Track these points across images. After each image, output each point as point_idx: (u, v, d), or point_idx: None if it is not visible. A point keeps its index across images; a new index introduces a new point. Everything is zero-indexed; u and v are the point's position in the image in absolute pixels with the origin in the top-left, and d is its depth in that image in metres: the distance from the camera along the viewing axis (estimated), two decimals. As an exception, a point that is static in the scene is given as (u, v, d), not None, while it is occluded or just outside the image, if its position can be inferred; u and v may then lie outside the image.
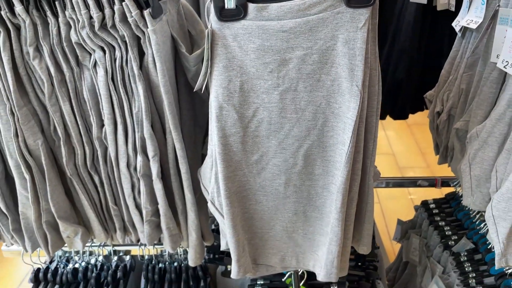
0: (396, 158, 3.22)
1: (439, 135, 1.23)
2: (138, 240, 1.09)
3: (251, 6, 0.74)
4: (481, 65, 1.01)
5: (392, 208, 2.66)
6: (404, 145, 3.41)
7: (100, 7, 0.80)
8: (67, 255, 1.40)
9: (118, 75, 0.86)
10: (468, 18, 1.04)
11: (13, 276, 2.34)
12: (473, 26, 1.02)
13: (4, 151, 0.94)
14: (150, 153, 0.92)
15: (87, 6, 0.80)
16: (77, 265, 1.37)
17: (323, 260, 0.92)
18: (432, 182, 1.72)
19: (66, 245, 1.08)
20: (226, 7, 0.74)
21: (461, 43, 1.11)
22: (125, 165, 0.94)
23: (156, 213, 1.00)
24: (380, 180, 1.78)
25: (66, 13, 0.81)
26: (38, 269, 1.35)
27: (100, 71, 0.86)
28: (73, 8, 0.80)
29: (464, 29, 1.09)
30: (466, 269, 1.31)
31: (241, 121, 0.82)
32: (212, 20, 0.76)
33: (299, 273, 1.20)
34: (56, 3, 0.80)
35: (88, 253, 1.37)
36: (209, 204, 0.94)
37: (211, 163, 0.91)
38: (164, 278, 1.35)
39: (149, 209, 0.98)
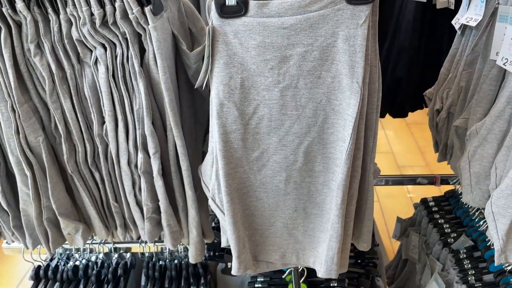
0: (395, 157, 3.23)
1: (438, 132, 1.23)
2: (139, 237, 1.09)
3: (251, 3, 0.74)
4: (480, 62, 1.02)
5: (391, 206, 2.67)
6: (403, 144, 3.41)
7: (101, 4, 0.80)
8: (67, 252, 1.40)
9: (119, 72, 0.87)
10: (468, 15, 1.05)
11: (13, 274, 2.35)
12: (473, 23, 1.02)
13: (5, 148, 0.94)
14: (151, 150, 0.92)
15: (88, 3, 0.80)
16: (77, 263, 1.37)
17: (323, 256, 0.93)
18: (431, 180, 1.72)
19: (67, 242, 1.08)
20: (227, 4, 0.74)
21: (461, 41, 1.12)
22: (126, 162, 0.94)
23: (157, 210, 1.01)
24: (380, 178, 1.79)
25: (67, 10, 0.81)
26: (39, 266, 1.36)
27: (101, 68, 0.86)
28: (74, 5, 0.81)
29: (464, 27, 1.10)
30: (466, 266, 1.32)
31: (241, 118, 0.83)
32: (213, 17, 0.76)
33: (299, 270, 1.20)
34: (57, 0, 0.80)
35: (88, 250, 1.37)
36: (210, 201, 0.94)
37: (211, 160, 0.91)
38: (165, 275, 1.35)
39: (149, 206, 0.99)
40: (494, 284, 1.23)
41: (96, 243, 1.35)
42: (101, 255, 1.40)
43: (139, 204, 1.00)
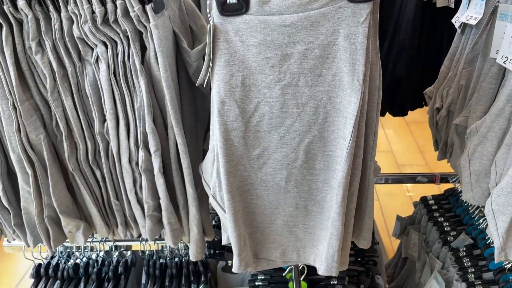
0: (395, 156, 3.23)
1: (438, 131, 1.23)
2: (139, 235, 1.10)
3: (253, 1, 0.74)
4: (480, 61, 1.02)
5: (391, 205, 2.67)
6: (402, 143, 3.42)
7: (102, 2, 0.80)
8: (68, 250, 1.40)
9: (120, 70, 0.87)
10: (468, 14, 1.05)
11: (13, 272, 2.35)
12: (473, 22, 1.02)
13: (6, 146, 0.94)
14: (152, 148, 0.92)
15: (89, 1, 0.80)
16: (78, 261, 1.38)
17: (324, 254, 0.93)
18: (431, 178, 1.72)
19: (67, 240, 1.08)
20: (228, 1, 0.74)
21: (461, 39, 1.12)
22: (127, 160, 0.95)
23: (158, 208, 1.01)
24: (379, 176, 1.79)
25: (69, 7, 0.82)
26: (39, 264, 1.36)
27: (102, 66, 0.86)
28: (75, 2, 0.81)
29: (464, 25, 1.10)
30: (465, 264, 1.32)
31: (242, 115, 0.83)
32: (214, 15, 0.77)
33: (299, 267, 1.21)
34: (59, -3, 0.81)
35: (89, 248, 1.37)
36: (211, 199, 0.94)
37: (212, 158, 0.91)
38: (165, 273, 1.36)
39: (150, 204, 0.99)
40: (494, 282, 1.24)
41: (97, 241, 1.35)
42: (101, 253, 1.40)
43: (140, 202, 1.01)
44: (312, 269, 1.07)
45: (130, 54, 0.85)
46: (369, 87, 0.81)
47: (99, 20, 0.81)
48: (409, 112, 1.71)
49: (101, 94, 0.89)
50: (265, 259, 1.00)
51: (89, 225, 1.08)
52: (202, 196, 1.03)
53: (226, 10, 0.75)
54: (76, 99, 0.90)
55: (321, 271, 0.95)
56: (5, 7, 0.80)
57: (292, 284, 1.23)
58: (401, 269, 1.77)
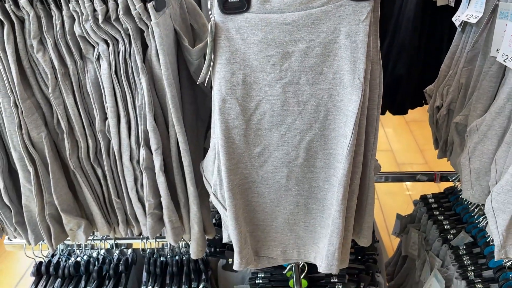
0: (394, 155, 3.23)
1: (438, 129, 1.24)
2: (140, 234, 1.10)
3: (254, -1, 0.75)
4: (481, 59, 1.02)
5: (390, 203, 2.68)
6: (402, 142, 3.42)
7: (104, 0, 0.81)
8: (69, 248, 1.41)
9: (121, 68, 0.87)
10: (468, 12, 1.05)
11: (14, 270, 2.35)
12: (473, 20, 1.02)
13: (7, 144, 0.95)
14: (153, 146, 0.93)
15: (91, -1, 0.80)
16: (79, 259, 1.38)
17: (324, 252, 0.93)
18: (431, 177, 1.73)
19: (68, 238, 1.08)
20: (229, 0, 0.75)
21: (461, 38, 1.12)
22: (128, 158, 0.95)
23: (159, 206, 1.01)
24: (379, 174, 1.79)
25: (70, 6, 0.82)
26: (40, 262, 1.36)
27: (104, 64, 0.86)
28: (77, 1, 0.81)
29: (464, 24, 1.10)
30: (465, 262, 1.33)
31: (243, 113, 0.83)
32: (216, 13, 0.77)
33: (300, 265, 1.21)
34: (60, -4, 0.81)
35: (90, 246, 1.37)
36: (212, 197, 0.95)
37: (213, 156, 0.91)
38: (166, 271, 1.36)
39: (151, 202, 0.99)
40: (494, 280, 1.24)
41: (98, 239, 1.36)
42: (102, 251, 1.40)
43: (141, 200, 1.01)
44: (312, 267, 1.07)
45: (132, 52, 0.86)
46: (370, 85, 0.81)
47: (100, 18, 0.81)
48: (409, 111, 1.71)
49: (103, 92, 0.90)
50: (266, 257, 1.00)
51: (90, 223, 1.08)
52: (203, 194, 1.04)
53: (227, 8, 0.75)
54: (77, 97, 0.90)
55: (322, 268, 0.95)
56: (6, 5, 0.80)
57: (293, 282, 1.23)
58: (401, 267, 1.77)
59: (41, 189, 0.97)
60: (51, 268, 1.35)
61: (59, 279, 1.35)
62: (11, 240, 1.30)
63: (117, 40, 0.86)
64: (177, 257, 1.37)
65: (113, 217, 1.07)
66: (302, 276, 1.21)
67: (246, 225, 0.95)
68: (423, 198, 1.66)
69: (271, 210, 0.94)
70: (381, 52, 0.82)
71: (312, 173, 0.89)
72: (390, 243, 2.32)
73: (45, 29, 0.84)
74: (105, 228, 1.07)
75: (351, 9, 0.74)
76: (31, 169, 0.93)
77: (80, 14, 0.82)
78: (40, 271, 1.36)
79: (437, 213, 1.56)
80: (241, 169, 0.89)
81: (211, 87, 0.85)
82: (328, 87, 0.81)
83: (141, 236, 1.32)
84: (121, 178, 0.99)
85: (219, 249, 1.35)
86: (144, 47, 0.87)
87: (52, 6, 0.82)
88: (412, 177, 1.78)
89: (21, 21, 0.84)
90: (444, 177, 1.71)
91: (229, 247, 1.30)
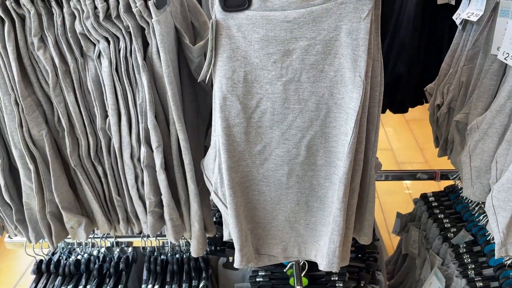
0: (394, 154, 3.24)
1: (439, 128, 1.24)
2: (141, 232, 1.10)
3: (255, -3, 0.75)
4: (481, 57, 1.02)
5: (390, 202, 2.68)
6: (402, 140, 3.42)
7: (105, -2, 0.81)
8: (69, 246, 1.41)
9: (122, 65, 0.87)
10: (469, 11, 1.05)
11: (15, 268, 2.35)
12: (474, 18, 1.02)
13: (8, 142, 0.95)
14: (154, 144, 0.93)
15: (91, -3, 0.80)
16: (79, 257, 1.38)
17: (325, 250, 0.93)
18: (431, 175, 1.73)
19: (69, 236, 1.08)
20: (230, -3, 0.75)
21: (462, 36, 1.12)
22: (129, 156, 0.95)
23: (159, 204, 1.01)
24: (380, 173, 1.79)
25: (71, 3, 0.82)
26: (41, 260, 1.36)
27: (104, 62, 0.86)
28: (77, -2, 0.81)
29: (465, 22, 1.10)
30: (465, 260, 1.33)
31: (244, 111, 0.83)
32: (217, 11, 0.77)
33: (300, 263, 1.21)
34: (61, -7, 0.81)
35: (90, 244, 1.37)
36: (213, 195, 0.95)
37: (214, 154, 0.91)
38: (166, 269, 1.36)
39: (152, 200, 0.99)
40: (494, 278, 1.24)
41: (98, 238, 1.36)
42: (103, 250, 1.40)
43: (141, 198, 1.01)
44: (313, 265, 1.07)
45: (132, 50, 0.86)
46: (371, 83, 0.81)
47: (101, 15, 0.81)
48: (409, 110, 1.71)
49: (103, 90, 0.90)
50: (267, 254, 1.00)
51: (90, 221, 1.08)
52: (203, 192, 1.04)
53: (228, 5, 0.75)
54: (78, 95, 0.90)
55: (322, 266, 0.95)
56: (7, 3, 0.80)
57: (293, 280, 1.24)
58: (401, 265, 1.77)
59: (41, 187, 0.97)
60: (52, 266, 1.35)
61: (59, 277, 1.35)
62: (11, 238, 1.29)
63: (118, 38, 0.85)
64: (177, 255, 1.37)
65: (114, 215, 1.07)
66: (302, 274, 1.21)
67: (247, 223, 0.95)
68: (423, 196, 1.66)
69: (272, 208, 0.94)
70: (381, 51, 0.82)
71: (313, 171, 0.89)
72: (390, 242, 2.32)
73: (45, 27, 0.84)
74: (106, 226, 1.07)
75: (352, 6, 0.74)
76: (31, 167, 0.93)
77: (81, 12, 0.82)
78: (41, 269, 1.36)
79: (438, 211, 1.56)
80: (242, 167, 0.89)
81: (211, 85, 0.85)
82: (329, 85, 0.81)
83: (141, 234, 1.32)
84: (121, 176, 0.99)
85: (219, 247, 1.35)
86: (145, 45, 0.87)
87: (53, 3, 0.82)
88: (412, 175, 1.79)
89: (22, 19, 0.84)
90: (444, 175, 1.71)
91: (229, 245, 1.30)
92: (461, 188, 1.22)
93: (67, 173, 1.00)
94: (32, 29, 0.83)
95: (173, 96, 0.88)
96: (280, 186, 0.91)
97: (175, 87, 0.88)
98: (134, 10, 0.81)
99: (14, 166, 0.98)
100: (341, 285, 1.27)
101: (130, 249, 1.43)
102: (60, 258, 1.37)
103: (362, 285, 1.31)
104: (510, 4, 0.90)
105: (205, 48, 0.90)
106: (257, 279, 1.31)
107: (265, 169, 0.89)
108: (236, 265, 0.95)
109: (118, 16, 0.82)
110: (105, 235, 1.36)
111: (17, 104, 0.88)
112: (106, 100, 0.90)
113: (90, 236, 1.30)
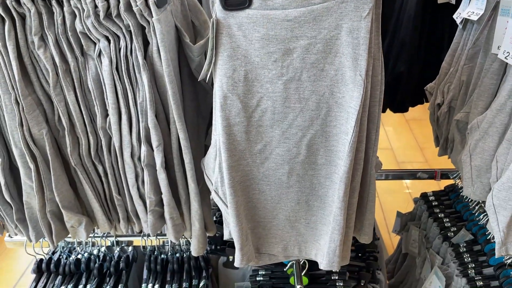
0: (394, 153, 3.24)
1: (439, 127, 1.24)
2: (141, 231, 1.10)
3: (256, -5, 0.74)
4: (482, 56, 1.02)
5: (390, 202, 2.68)
6: (402, 140, 3.42)
7: (105, -4, 0.80)
8: (69, 246, 1.41)
9: (122, 64, 0.87)
10: (469, 10, 1.05)
11: (15, 267, 2.35)
12: (474, 18, 1.02)
13: (8, 141, 0.94)
14: (154, 143, 0.93)
15: (92, -5, 0.80)
16: (79, 256, 1.38)
17: (326, 249, 0.93)
18: (431, 175, 1.73)
19: (69, 235, 1.08)
20: (231, -4, 0.75)
21: (462, 35, 1.12)
22: (129, 155, 0.95)
23: (160, 203, 1.01)
24: (380, 172, 1.79)
25: (71, 2, 0.82)
26: (41, 259, 1.36)
27: (105, 61, 0.86)
28: (78, -3, 0.81)
29: (465, 21, 1.10)
30: (465, 259, 1.33)
31: (245, 110, 0.83)
32: (217, 9, 0.77)
33: (301, 263, 1.21)
34: (61, -8, 0.81)
35: (90, 244, 1.37)
36: (213, 194, 0.95)
37: (214, 153, 0.91)
38: (167, 268, 1.36)
39: (152, 199, 0.99)
40: (494, 277, 1.24)
41: (98, 237, 1.36)
42: (103, 249, 1.40)
43: (142, 197, 1.01)
44: (313, 264, 1.07)
45: (133, 48, 0.86)
46: (372, 82, 0.81)
47: (101, 14, 0.81)
48: (409, 109, 1.71)
49: (104, 89, 0.89)
50: (267, 253, 1.00)
51: (91, 220, 1.08)
52: (204, 191, 1.04)
53: (229, 4, 0.75)
54: (78, 94, 0.90)
55: (323, 265, 0.95)
56: (7, 2, 0.80)
57: (293, 279, 1.24)
58: (401, 265, 1.77)
59: (42, 186, 0.96)
60: (52, 266, 1.35)
61: (59, 277, 1.35)
62: (11, 237, 1.29)
63: (118, 37, 0.85)
64: (177, 255, 1.37)
65: (114, 214, 1.07)
66: (303, 273, 1.21)
67: (247, 222, 0.95)
68: (424, 195, 1.66)
69: (272, 207, 0.94)
70: (382, 50, 0.82)
71: (313, 170, 0.89)
72: (390, 241, 2.32)
73: (46, 26, 0.83)
74: (106, 225, 1.07)
75: (352, 5, 0.74)
76: (32, 165, 0.93)
77: (81, 11, 0.82)
78: (41, 269, 1.36)
79: (438, 210, 1.56)
80: (242, 166, 0.89)
81: (212, 84, 0.85)
82: (330, 83, 0.81)
83: (142, 233, 1.32)
84: (122, 175, 0.99)
85: (219, 246, 1.35)
86: (145, 43, 0.87)
87: (53, 2, 0.82)
88: (412, 174, 1.79)
89: (22, 18, 0.83)
90: (444, 174, 1.71)
91: (229, 244, 1.30)
92: (461, 187, 1.22)
93: (68, 172, 1.00)
94: (33, 28, 0.83)
95: (173, 95, 0.88)
96: (280, 185, 0.91)
97: (176, 86, 0.88)
98: (134, 9, 0.81)
99: (15, 165, 0.98)
100: (341, 284, 1.27)
101: (130, 248, 1.43)
102: (61, 257, 1.37)
103: (362, 284, 1.31)
104: (511, 3, 0.90)
105: (205, 47, 0.90)
106: (257, 278, 1.31)
107: (266, 168, 0.89)
108: (236, 264, 0.95)
109: (118, 15, 0.82)
110: (105, 234, 1.36)
111: (17, 103, 0.88)
112: (107, 99, 0.90)
113: (90, 235, 1.31)
